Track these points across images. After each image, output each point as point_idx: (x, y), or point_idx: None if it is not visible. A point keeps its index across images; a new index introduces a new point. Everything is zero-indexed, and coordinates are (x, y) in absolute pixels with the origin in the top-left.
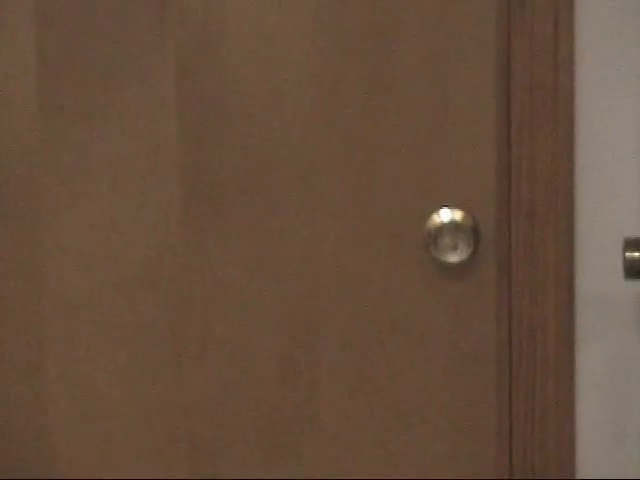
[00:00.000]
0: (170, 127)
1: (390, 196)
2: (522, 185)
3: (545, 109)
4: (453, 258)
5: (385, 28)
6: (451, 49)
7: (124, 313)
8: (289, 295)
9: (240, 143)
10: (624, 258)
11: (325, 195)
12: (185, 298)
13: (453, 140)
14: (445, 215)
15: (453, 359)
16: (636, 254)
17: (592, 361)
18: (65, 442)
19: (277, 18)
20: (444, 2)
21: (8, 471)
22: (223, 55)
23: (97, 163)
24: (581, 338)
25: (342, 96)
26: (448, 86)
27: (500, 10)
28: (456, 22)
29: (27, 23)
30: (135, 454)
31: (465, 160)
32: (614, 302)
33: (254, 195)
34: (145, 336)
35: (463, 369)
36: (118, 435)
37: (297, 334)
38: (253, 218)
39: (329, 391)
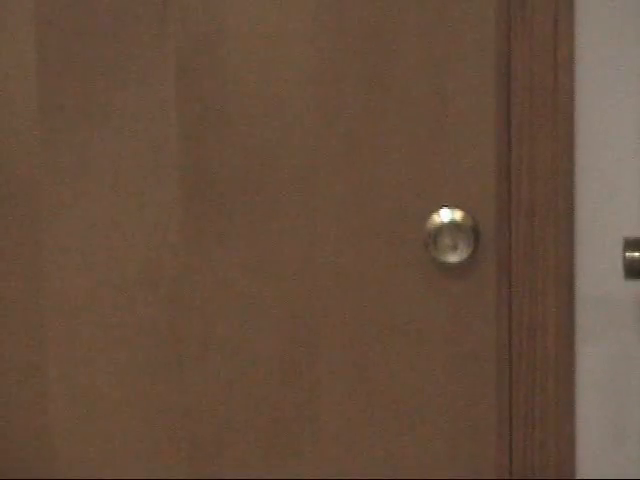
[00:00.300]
0: (170, 127)
1: (390, 196)
2: (522, 185)
3: (545, 109)
4: (453, 258)
5: (385, 28)
6: (451, 49)
7: (124, 313)
8: (289, 295)
9: (240, 143)
10: (624, 258)
11: (325, 195)
12: (185, 298)
13: (453, 140)
14: (445, 215)
15: (453, 359)
16: (636, 254)
17: (592, 361)
18: (65, 442)
19: (277, 18)
20: (444, 2)
21: (8, 471)
22: (223, 55)
23: (97, 163)
24: (581, 338)
25: (342, 96)
26: (448, 86)
27: (500, 10)
28: (456, 22)
29: (27, 23)
30: (135, 454)
31: (465, 160)
32: (614, 302)
33: (254, 195)
34: (145, 336)
35: (463, 369)
36: (118, 435)
37: (297, 334)
38: (253, 218)
39: (329, 391)
